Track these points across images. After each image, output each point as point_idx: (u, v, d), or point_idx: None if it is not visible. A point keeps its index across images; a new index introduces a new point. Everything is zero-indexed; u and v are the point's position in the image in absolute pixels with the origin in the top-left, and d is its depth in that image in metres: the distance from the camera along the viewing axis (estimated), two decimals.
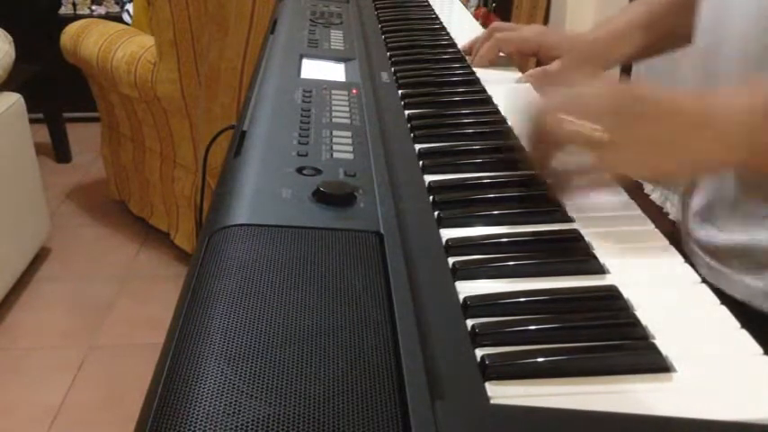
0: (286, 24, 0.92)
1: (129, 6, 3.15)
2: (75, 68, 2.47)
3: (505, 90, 0.80)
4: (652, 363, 0.39)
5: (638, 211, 0.56)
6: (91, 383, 1.86)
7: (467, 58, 0.91)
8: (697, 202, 0.71)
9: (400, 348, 0.36)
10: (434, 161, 0.61)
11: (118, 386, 1.85)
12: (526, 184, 0.59)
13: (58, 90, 2.96)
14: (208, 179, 1.98)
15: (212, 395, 0.32)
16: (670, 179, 0.56)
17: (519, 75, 0.87)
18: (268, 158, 0.54)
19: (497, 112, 0.73)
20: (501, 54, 0.91)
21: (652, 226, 0.54)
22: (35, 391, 1.83)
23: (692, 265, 0.52)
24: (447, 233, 0.51)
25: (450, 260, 0.47)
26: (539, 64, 0.90)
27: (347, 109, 0.67)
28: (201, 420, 0.30)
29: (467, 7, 1.43)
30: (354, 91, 0.72)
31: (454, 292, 0.44)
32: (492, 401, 0.36)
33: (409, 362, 0.35)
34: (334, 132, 0.60)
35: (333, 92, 0.70)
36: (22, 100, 2.18)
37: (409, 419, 0.32)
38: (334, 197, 0.48)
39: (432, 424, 0.32)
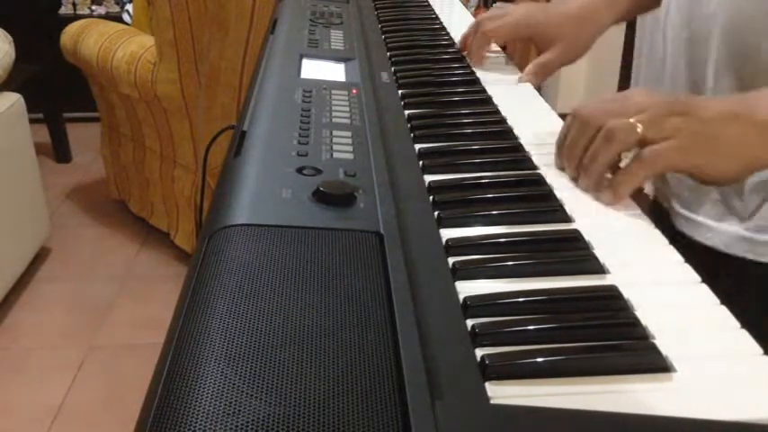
0: (286, 24, 0.92)
1: (129, 6, 3.14)
2: (75, 68, 2.47)
3: (505, 90, 0.80)
4: (652, 363, 0.39)
5: (638, 211, 0.56)
6: (91, 383, 1.86)
7: (466, 57, 0.90)
8: None
9: (400, 348, 0.36)
10: (434, 161, 0.61)
11: (118, 386, 1.85)
12: (526, 184, 0.59)
13: (57, 90, 2.96)
14: (208, 179, 1.98)
15: (212, 395, 0.32)
16: (711, 176, 0.57)
17: (519, 75, 0.87)
18: (268, 158, 0.54)
19: (497, 112, 0.73)
20: (496, 48, 0.91)
21: (652, 226, 0.54)
22: (35, 391, 1.83)
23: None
24: (447, 233, 0.50)
25: (451, 260, 0.47)
26: (537, 52, 0.89)
27: (347, 109, 0.67)
28: (201, 420, 0.30)
29: (467, 7, 1.43)
30: (354, 91, 0.72)
31: (454, 292, 0.44)
32: (492, 401, 0.36)
33: (409, 362, 0.35)
34: (334, 132, 0.60)
35: (333, 92, 0.70)
36: (22, 100, 2.18)
37: (409, 419, 0.32)
38: (334, 197, 0.48)
39: (432, 424, 0.32)
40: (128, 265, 2.38)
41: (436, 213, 0.53)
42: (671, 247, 0.51)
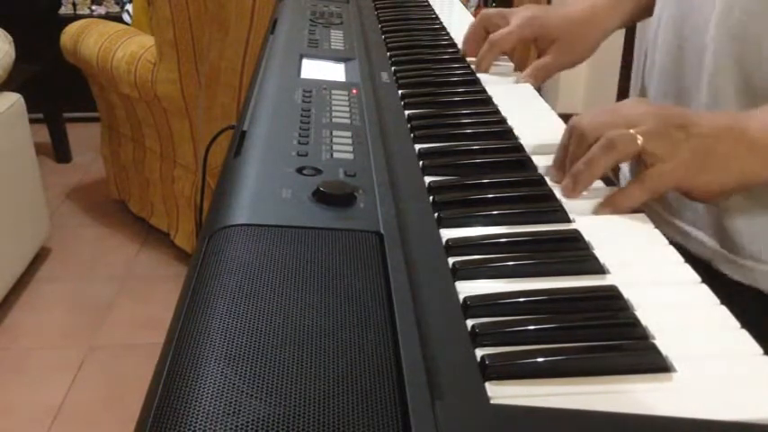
0: (286, 24, 0.92)
1: (129, 6, 3.15)
2: (76, 68, 2.47)
3: (505, 90, 0.80)
4: (652, 363, 0.39)
5: (638, 212, 0.56)
6: (91, 383, 1.86)
7: (468, 59, 0.90)
8: None
9: (400, 348, 0.36)
10: (434, 161, 0.61)
11: (118, 386, 1.85)
12: (526, 184, 0.59)
13: (57, 90, 2.96)
14: (208, 179, 1.98)
15: (212, 395, 0.32)
16: (707, 193, 0.57)
17: (518, 74, 0.87)
18: (268, 158, 0.54)
19: (497, 112, 0.73)
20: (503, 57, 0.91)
21: (652, 226, 0.54)
22: (35, 391, 1.83)
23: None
24: (447, 233, 0.50)
25: (451, 260, 0.47)
26: (538, 54, 0.89)
27: (347, 109, 0.67)
28: (201, 420, 0.30)
29: (467, 7, 1.43)
30: (354, 91, 0.72)
31: (454, 292, 0.44)
32: (492, 401, 0.36)
33: (409, 362, 0.35)
34: (334, 132, 0.60)
35: (333, 92, 0.70)
36: (22, 100, 2.18)
37: (409, 419, 0.32)
38: (334, 197, 0.48)
39: (432, 424, 0.32)
40: (128, 265, 2.38)
41: (436, 213, 0.53)
42: (671, 248, 0.51)
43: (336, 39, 0.89)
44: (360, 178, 0.53)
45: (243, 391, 0.32)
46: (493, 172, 0.60)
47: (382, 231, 0.46)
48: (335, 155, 0.56)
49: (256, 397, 0.32)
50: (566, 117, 0.71)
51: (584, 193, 0.57)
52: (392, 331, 0.37)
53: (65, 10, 3.34)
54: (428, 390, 0.34)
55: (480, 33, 0.89)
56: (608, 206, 0.55)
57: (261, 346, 0.35)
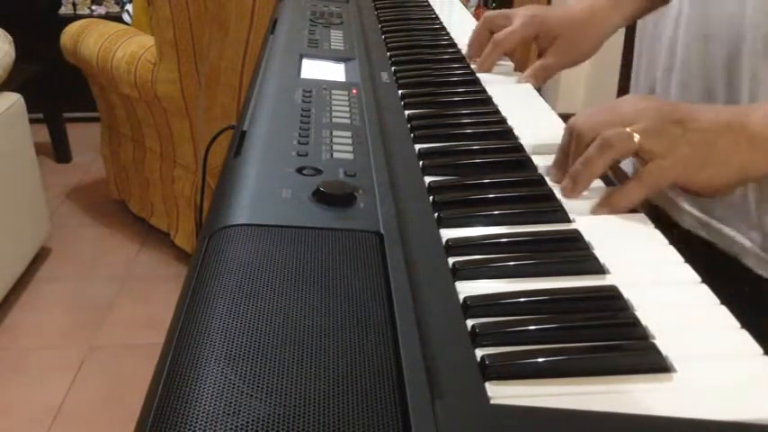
0: (286, 24, 0.92)
1: (129, 6, 3.15)
2: (76, 68, 2.47)
3: (505, 90, 0.80)
4: (652, 363, 0.39)
5: (638, 211, 0.56)
6: (91, 383, 1.86)
7: (471, 63, 0.90)
8: None
9: (400, 348, 0.36)
10: (434, 161, 0.61)
11: (118, 386, 1.85)
12: (526, 184, 0.59)
13: (57, 90, 2.96)
14: (208, 179, 1.98)
15: (212, 395, 0.32)
16: (708, 188, 0.57)
17: (519, 75, 0.87)
18: (268, 158, 0.54)
19: (497, 112, 0.73)
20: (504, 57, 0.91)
21: (652, 226, 0.54)
22: (35, 391, 1.83)
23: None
24: (447, 233, 0.50)
25: (451, 260, 0.47)
26: (539, 53, 0.89)
27: (347, 109, 0.67)
28: (201, 420, 0.30)
29: (467, 7, 1.43)
30: (354, 91, 0.72)
31: (454, 292, 0.44)
32: (492, 401, 0.36)
33: (409, 362, 0.35)
34: (334, 132, 0.60)
35: (333, 92, 0.70)
36: (22, 100, 2.18)
37: (409, 419, 0.32)
38: (334, 197, 0.48)
39: (432, 424, 0.32)
40: (128, 265, 2.38)
41: (436, 213, 0.53)
42: (671, 248, 0.51)
43: (336, 39, 0.89)
44: (360, 178, 0.53)
45: (243, 391, 0.32)
46: (493, 172, 0.60)
47: (382, 231, 0.46)
48: (335, 155, 0.56)
49: (256, 397, 0.32)
50: (566, 117, 0.71)
51: (584, 192, 0.57)
52: (392, 331, 0.37)
53: (65, 10, 3.34)
54: (428, 390, 0.34)
55: (485, 35, 0.90)
56: (606, 205, 0.55)
57: (261, 347, 0.35)
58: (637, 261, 0.49)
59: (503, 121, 0.71)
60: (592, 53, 0.88)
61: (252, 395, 0.32)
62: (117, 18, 3.12)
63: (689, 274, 0.48)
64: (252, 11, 1.89)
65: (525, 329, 0.41)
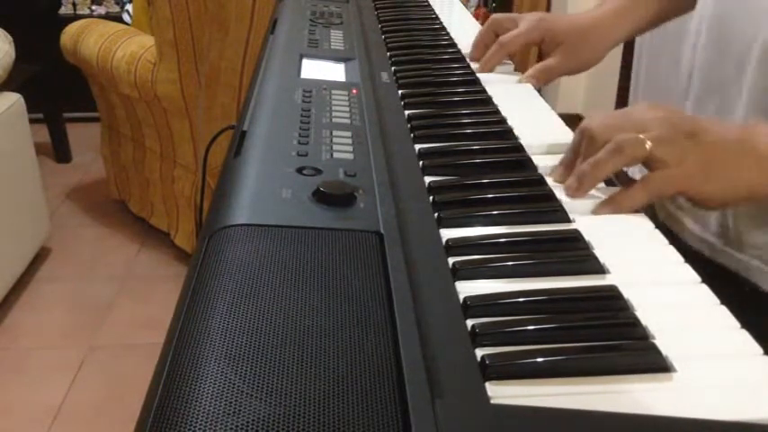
0: (286, 24, 0.92)
1: (129, 6, 3.15)
2: (75, 68, 2.47)
3: (505, 90, 0.80)
4: (652, 363, 0.39)
5: (638, 212, 0.56)
6: (91, 383, 1.86)
7: (472, 64, 0.90)
8: None
9: (400, 348, 0.36)
10: (434, 161, 0.61)
11: (118, 386, 1.85)
12: (526, 184, 0.59)
13: (57, 90, 2.96)
14: (208, 179, 1.98)
15: (212, 395, 0.32)
16: (712, 201, 0.57)
17: (519, 75, 0.87)
18: (268, 158, 0.54)
19: (497, 112, 0.73)
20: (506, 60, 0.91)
21: (652, 226, 0.54)
22: (35, 391, 1.83)
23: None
24: (447, 233, 0.50)
25: (451, 260, 0.47)
26: (540, 55, 0.90)
27: (347, 109, 0.67)
28: (201, 420, 0.30)
29: (467, 7, 1.43)
30: (354, 91, 0.72)
31: (454, 292, 0.44)
32: (492, 401, 0.36)
33: (409, 362, 0.35)
34: (334, 132, 0.60)
35: (333, 92, 0.70)
36: (22, 100, 2.18)
37: (409, 419, 0.32)
38: (334, 197, 0.48)
39: (432, 424, 0.32)
40: (128, 265, 2.38)
41: (436, 213, 0.53)
42: (671, 248, 0.51)
43: (336, 39, 0.89)
44: (360, 178, 0.53)
45: (243, 391, 0.32)
46: (493, 172, 0.60)
47: (382, 231, 0.46)
48: (335, 155, 0.56)
49: (256, 397, 0.32)
50: (566, 117, 0.71)
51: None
52: (392, 331, 0.37)
53: (65, 10, 3.34)
54: (428, 389, 0.34)
55: (490, 37, 0.90)
56: (609, 206, 0.55)
57: (261, 346, 0.35)
58: (637, 261, 0.49)
59: (503, 121, 0.71)
60: (594, 62, 0.88)
61: (252, 395, 0.32)
62: (117, 18, 3.12)
63: (689, 274, 0.48)
64: (252, 11, 1.89)
65: (525, 329, 0.41)
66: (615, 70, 2.90)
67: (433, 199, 0.55)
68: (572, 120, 0.64)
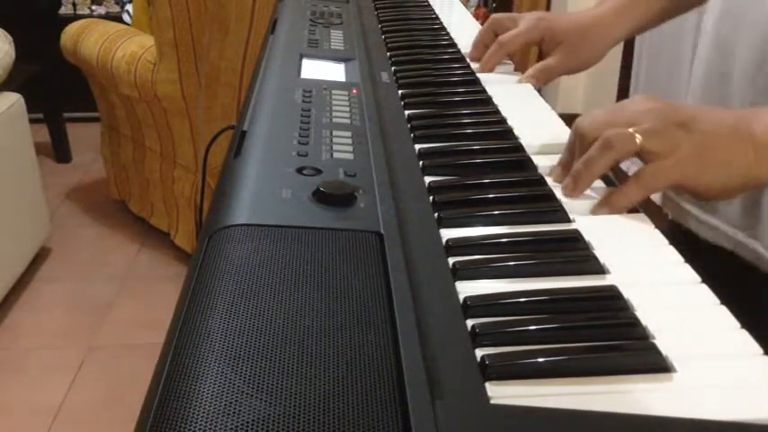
0: (286, 24, 0.92)
1: (129, 6, 3.15)
2: (76, 68, 2.47)
3: (505, 90, 0.80)
4: (652, 363, 0.39)
5: (638, 211, 0.56)
6: (91, 383, 1.86)
7: (472, 64, 0.90)
8: None
9: (400, 348, 0.36)
10: (434, 161, 0.61)
11: (118, 386, 1.85)
12: (526, 184, 0.59)
13: (57, 90, 2.96)
14: (208, 179, 1.98)
15: (212, 395, 0.32)
16: (710, 191, 0.56)
17: (519, 75, 0.87)
18: (268, 158, 0.54)
19: (497, 112, 0.73)
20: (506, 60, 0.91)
21: (652, 226, 0.54)
22: (35, 391, 1.83)
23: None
24: (447, 233, 0.50)
25: (451, 260, 0.47)
26: (540, 55, 0.89)
27: (347, 109, 0.67)
28: (201, 420, 0.30)
29: (467, 7, 1.43)
30: (354, 91, 0.72)
31: (454, 292, 0.44)
32: (492, 401, 0.36)
33: (409, 362, 0.35)
34: (334, 132, 0.60)
35: (333, 92, 0.70)
36: (22, 100, 2.18)
37: (409, 419, 0.32)
38: (335, 197, 0.48)
39: (432, 424, 0.32)
40: (128, 265, 2.38)
41: (436, 213, 0.53)
42: (671, 248, 0.51)
43: (336, 39, 0.89)
44: (360, 178, 0.53)
45: (243, 391, 0.32)
46: (493, 172, 0.60)
47: (382, 231, 0.46)
48: (335, 155, 0.56)
49: (256, 397, 0.32)
50: (566, 117, 0.71)
51: (585, 192, 0.57)
52: (392, 331, 0.37)
53: (65, 10, 3.34)
54: (428, 390, 0.34)
55: (490, 37, 0.90)
56: (605, 205, 0.55)
57: (261, 346, 0.35)
58: (637, 261, 0.49)
59: (503, 121, 0.71)
60: (594, 61, 0.88)
61: (252, 395, 0.32)
62: (117, 18, 3.12)
63: (689, 274, 0.48)
64: (252, 11, 1.89)
65: (525, 329, 0.41)
66: (615, 70, 2.90)
67: (433, 199, 0.55)
68: (572, 120, 0.64)
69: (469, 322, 0.41)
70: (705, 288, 0.46)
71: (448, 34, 1.01)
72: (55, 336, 2.04)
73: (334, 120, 0.64)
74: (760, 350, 0.40)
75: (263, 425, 0.30)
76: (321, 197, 0.48)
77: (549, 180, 0.59)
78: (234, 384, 0.32)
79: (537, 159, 0.62)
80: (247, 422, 0.30)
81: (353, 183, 0.52)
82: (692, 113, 0.55)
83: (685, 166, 0.54)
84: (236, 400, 0.31)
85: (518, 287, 0.45)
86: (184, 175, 2.27)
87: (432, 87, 0.80)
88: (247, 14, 1.90)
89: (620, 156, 0.54)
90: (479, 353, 0.39)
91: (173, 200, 2.32)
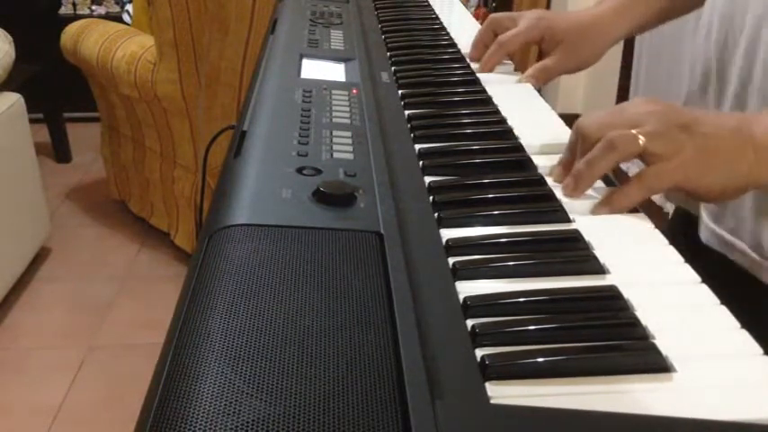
0: (286, 24, 0.92)
1: (129, 6, 3.15)
2: (76, 68, 2.47)
3: (505, 90, 0.80)
4: (652, 363, 0.39)
5: (638, 212, 0.56)
6: (91, 383, 1.86)
7: (472, 64, 0.90)
8: None
9: (400, 348, 0.36)
10: (434, 161, 0.61)
11: (118, 386, 1.85)
12: (526, 184, 0.59)
13: (57, 90, 2.96)
14: (208, 179, 1.98)
15: (212, 395, 0.32)
16: (711, 193, 0.56)
17: (519, 75, 0.87)
18: (268, 158, 0.54)
19: (497, 112, 0.73)
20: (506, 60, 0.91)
21: (652, 226, 0.54)
22: (35, 391, 1.83)
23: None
24: (447, 233, 0.50)
25: (451, 260, 0.47)
26: (540, 54, 0.89)
27: (347, 109, 0.67)
28: (201, 420, 0.30)
29: (467, 7, 1.43)
30: (354, 91, 0.72)
31: (454, 292, 0.44)
32: (492, 401, 0.36)
33: (409, 362, 0.35)
34: (334, 132, 0.60)
35: (333, 92, 0.70)
36: (22, 100, 2.18)
37: (409, 419, 0.32)
38: (335, 197, 0.48)
39: (432, 424, 0.32)
40: (128, 265, 2.38)
41: (436, 213, 0.53)
42: (671, 248, 0.51)
43: (336, 39, 0.89)
44: (360, 178, 0.53)
45: (243, 391, 0.32)
46: (493, 172, 0.60)
47: (382, 231, 0.46)
48: (335, 155, 0.56)
49: (256, 397, 0.32)
50: (566, 117, 0.71)
51: (585, 192, 0.57)
52: (392, 331, 0.37)
53: (65, 10, 3.34)
54: (428, 390, 0.34)
55: (489, 36, 0.90)
56: (606, 205, 0.55)
57: (261, 346, 0.35)
58: (637, 261, 0.49)
59: (503, 121, 0.71)
60: (594, 61, 0.88)
61: (252, 395, 0.32)
62: (117, 18, 3.12)
63: (689, 274, 0.48)
64: (252, 11, 1.89)
65: (525, 329, 0.41)
66: (615, 70, 2.90)
67: (433, 199, 0.55)
68: (572, 120, 0.64)
69: (469, 322, 0.41)
70: (705, 288, 0.46)
71: (448, 34, 1.01)
72: (55, 336, 2.04)
73: (334, 120, 0.64)
74: (760, 350, 0.40)
75: (263, 425, 0.30)
76: (321, 197, 0.48)
77: (549, 180, 0.59)
78: (234, 384, 0.32)
79: (537, 159, 0.62)
80: (247, 422, 0.30)
81: (353, 183, 0.52)
82: (693, 116, 0.56)
83: (687, 168, 0.54)
84: (236, 400, 0.31)
85: (518, 287, 0.45)
86: (184, 175, 2.27)
87: (432, 87, 0.80)
88: (247, 14, 1.90)
89: (623, 157, 0.55)
90: (479, 353, 0.39)
91: (173, 200, 2.32)
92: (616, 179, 0.59)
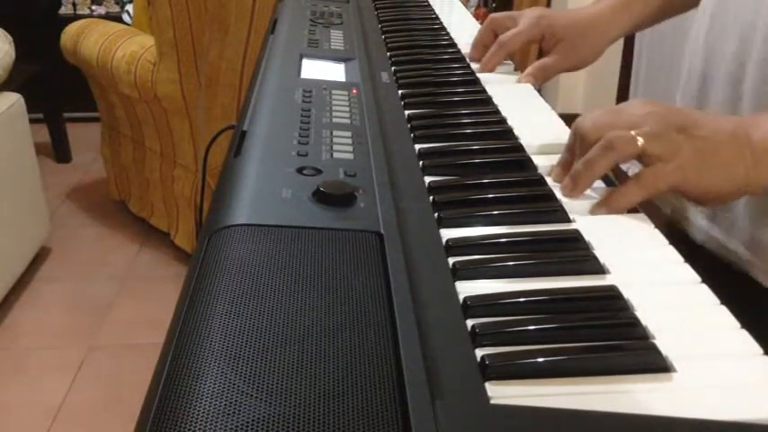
0: (286, 24, 0.92)
1: (129, 6, 3.15)
2: (75, 68, 2.47)
3: (505, 90, 0.80)
4: (652, 363, 0.39)
5: (638, 211, 0.56)
6: (91, 383, 1.86)
7: (472, 64, 0.90)
8: None
9: (400, 348, 0.36)
10: (434, 161, 0.61)
11: (118, 386, 1.85)
12: (526, 184, 0.59)
13: (57, 90, 2.96)
14: (208, 179, 1.98)
15: (212, 395, 0.32)
16: (708, 195, 0.56)
17: (519, 75, 0.87)
18: (268, 158, 0.54)
19: (497, 112, 0.73)
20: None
21: (652, 226, 0.54)
22: (35, 391, 1.83)
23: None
24: (447, 233, 0.51)
25: (451, 260, 0.47)
26: (540, 53, 0.89)
27: (347, 109, 0.67)
28: (201, 420, 0.30)
29: (467, 7, 1.43)
30: (354, 91, 0.72)
31: (454, 292, 0.44)
32: (492, 401, 0.36)
33: (409, 362, 0.35)
34: (334, 132, 0.61)
35: (333, 92, 0.70)
36: (22, 100, 2.18)
37: (409, 419, 0.32)
38: (335, 197, 0.48)
39: (432, 424, 0.32)
40: (128, 265, 2.38)
41: (436, 213, 0.53)
42: (671, 248, 0.51)
43: (336, 39, 0.89)
44: (360, 178, 0.53)
45: (243, 391, 0.32)
46: (493, 172, 0.60)
47: (382, 231, 0.46)
48: (335, 155, 0.56)
49: (256, 397, 0.32)
50: (566, 117, 0.71)
51: (584, 192, 0.57)
52: (392, 331, 0.37)
53: (65, 10, 3.34)
54: (428, 390, 0.34)
55: (489, 36, 0.89)
56: (604, 206, 0.55)
57: (261, 346, 0.35)
58: (637, 261, 0.49)
59: (503, 121, 0.71)
60: (592, 59, 0.88)
61: (252, 395, 0.32)
62: (117, 18, 3.12)
63: (689, 274, 0.48)
64: (252, 11, 1.89)
65: (525, 329, 0.41)
66: (615, 69, 2.90)
67: (433, 199, 0.55)
68: (572, 120, 0.64)
69: (469, 322, 0.41)
70: (705, 288, 0.46)
71: (448, 34, 1.01)
72: (55, 336, 2.04)
73: (334, 120, 0.64)
74: (760, 350, 0.40)
75: (263, 425, 0.30)
76: (321, 197, 0.48)
77: (548, 180, 0.59)
78: (234, 384, 0.32)
79: (537, 159, 0.62)
80: (247, 422, 0.30)
81: (353, 183, 0.52)
82: (692, 118, 0.56)
83: (685, 170, 0.54)
84: (236, 400, 0.31)
85: (518, 287, 0.45)
86: (184, 175, 2.27)
87: (432, 87, 0.80)
88: (247, 14, 1.90)
89: (621, 158, 0.55)
90: (479, 353, 0.39)
91: (173, 200, 2.32)
92: (616, 179, 0.59)
